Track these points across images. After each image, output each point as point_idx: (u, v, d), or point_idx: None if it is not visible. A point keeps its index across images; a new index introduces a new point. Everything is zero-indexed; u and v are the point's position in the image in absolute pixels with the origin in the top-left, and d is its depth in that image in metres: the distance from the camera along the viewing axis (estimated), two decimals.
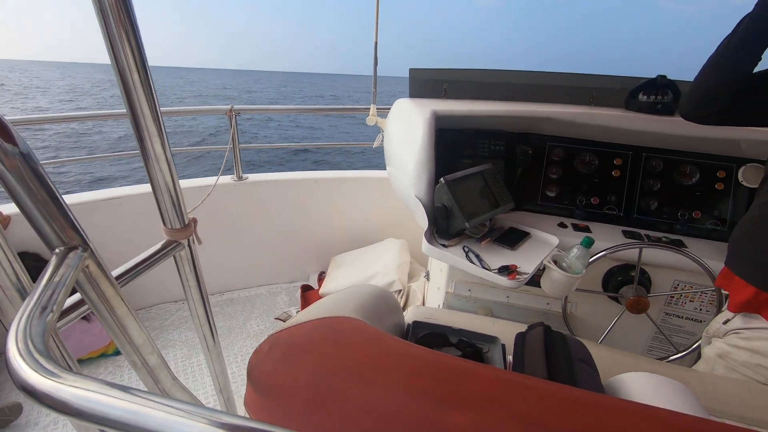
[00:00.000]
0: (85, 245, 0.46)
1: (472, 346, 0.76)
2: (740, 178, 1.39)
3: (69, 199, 1.97)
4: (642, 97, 1.48)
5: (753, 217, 0.97)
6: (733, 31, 0.90)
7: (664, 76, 1.46)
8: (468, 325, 0.87)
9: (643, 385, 0.57)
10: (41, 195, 0.41)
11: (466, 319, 0.98)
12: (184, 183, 2.20)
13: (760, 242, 0.93)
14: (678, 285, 1.37)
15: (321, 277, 2.51)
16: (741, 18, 0.90)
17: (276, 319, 2.23)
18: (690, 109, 1.01)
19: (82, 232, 0.46)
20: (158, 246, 0.84)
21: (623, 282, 1.37)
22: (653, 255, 1.31)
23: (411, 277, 2.28)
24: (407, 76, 1.73)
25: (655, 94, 1.45)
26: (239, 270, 2.49)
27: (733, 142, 1.38)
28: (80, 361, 1.92)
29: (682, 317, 1.42)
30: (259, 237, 2.46)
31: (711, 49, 0.95)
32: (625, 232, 1.42)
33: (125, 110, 0.65)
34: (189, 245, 0.91)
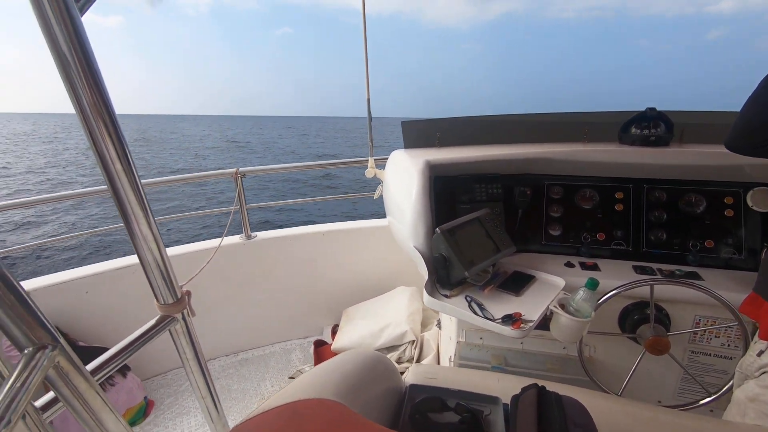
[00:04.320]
0: (55, 342, 0.46)
1: (470, 411, 0.72)
2: (749, 202, 1.34)
3: (85, 269, 2.02)
4: (634, 131, 1.48)
5: None
6: None
7: (654, 108, 1.46)
8: (469, 384, 0.83)
9: None
10: (7, 298, 0.43)
11: (468, 377, 0.94)
12: (191, 246, 2.25)
13: None
14: (699, 321, 1.30)
15: (334, 331, 2.47)
16: None
17: (290, 378, 2.18)
18: (733, 141, 1.01)
19: (51, 329, 0.46)
20: (152, 322, 0.85)
21: (640, 321, 1.30)
22: (668, 291, 1.25)
23: (424, 325, 2.23)
24: (398, 116, 1.77)
25: (647, 127, 1.45)
26: (252, 329, 2.47)
27: (736, 167, 1.34)
28: None
29: (710, 355, 1.33)
30: (272, 293, 2.46)
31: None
32: (635, 268, 1.37)
33: (107, 189, 0.68)
34: (184, 318, 0.91)
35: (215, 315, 2.30)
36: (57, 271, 2.03)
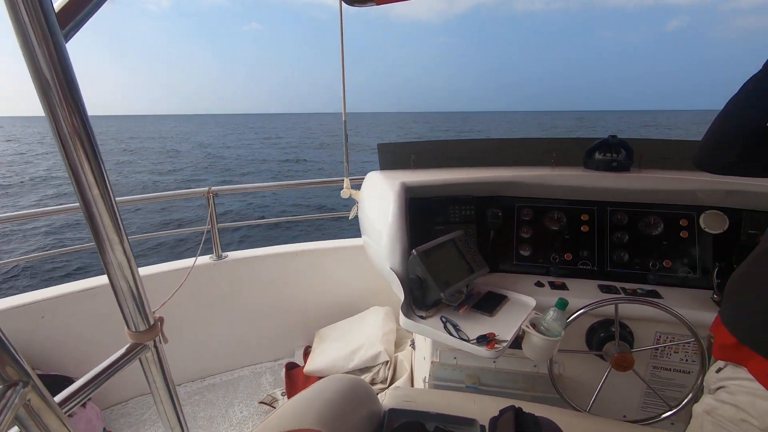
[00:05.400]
0: (27, 379, 0.44)
1: None
2: (702, 224, 1.44)
3: (41, 293, 1.92)
4: (598, 156, 1.57)
5: (744, 267, 0.96)
6: (739, 90, 0.92)
7: (615, 136, 1.55)
8: (447, 406, 0.84)
9: None
10: None
11: (446, 399, 0.95)
12: (161, 267, 2.18)
13: (745, 295, 0.93)
14: (660, 337, 1.36)
15: (307, 353, 2.43)
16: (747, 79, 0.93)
17: (260, 403, 2.12)
18: (702, 159, 1.01)
19: (23, 366, 0.44)
20: (122, 351, 0.82)
21: (606, 338, 1.36)
22: (631, 309, 1.32)
23: (398, 345, 2.22)
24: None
25: (609, 152, 1.54)
26: (221, 352, 2.39)
27: (689, 192, 1.44)
28: None
29: (670, 370, 1.39)
30: (242, 315, 2.40)
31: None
32: (601, 287, 1.43)
33: (80, 207, 0.65)
34: (155, 346, 0.88)
35: (182, 338, 2.22)
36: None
